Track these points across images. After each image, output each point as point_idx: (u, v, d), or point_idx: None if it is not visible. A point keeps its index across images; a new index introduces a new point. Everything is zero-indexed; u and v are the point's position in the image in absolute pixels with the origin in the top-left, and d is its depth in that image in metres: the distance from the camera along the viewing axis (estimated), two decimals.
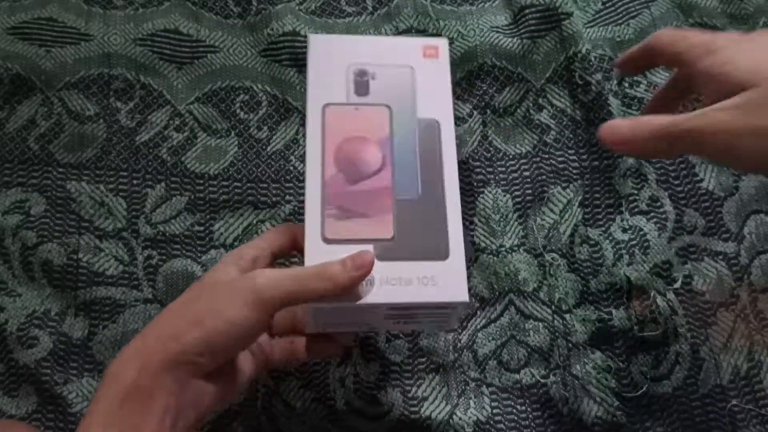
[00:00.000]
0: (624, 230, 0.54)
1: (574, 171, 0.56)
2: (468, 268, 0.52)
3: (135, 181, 0.53)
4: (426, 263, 0.38)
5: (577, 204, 0.55)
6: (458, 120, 0.57)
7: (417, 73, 0.43)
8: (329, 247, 0.38)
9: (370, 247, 0.38)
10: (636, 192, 0.55)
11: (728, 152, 0.34)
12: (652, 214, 0.55)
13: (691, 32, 0.39)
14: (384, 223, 0.39)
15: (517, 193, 0.55)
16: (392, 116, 0.42)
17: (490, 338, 0.51)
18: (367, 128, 0.41)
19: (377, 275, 0.38)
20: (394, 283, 0.38)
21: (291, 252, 0.45)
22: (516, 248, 0.54)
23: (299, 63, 0.57)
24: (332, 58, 0.43)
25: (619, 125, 0.38)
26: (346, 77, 0.42)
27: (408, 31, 0.59)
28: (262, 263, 0.41)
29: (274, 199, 0.54)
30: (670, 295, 0.53)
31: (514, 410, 0.50)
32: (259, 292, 0.35)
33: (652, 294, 0.52)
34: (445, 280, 0.38)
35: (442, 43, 0.45)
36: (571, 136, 0.57)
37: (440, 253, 0.39)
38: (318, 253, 0.37)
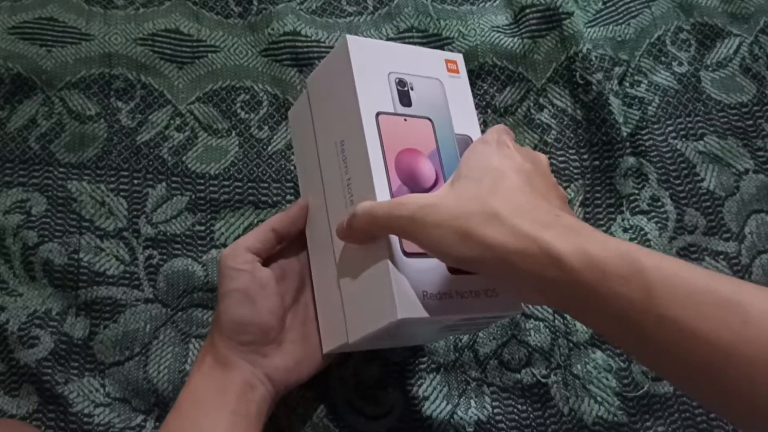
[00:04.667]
0: (625, 230, 0.54)
1: (575, 171, 0.56)
2: None
3: (136, 181, 0.53)
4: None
5: (578, 204, 0.55)
6: None
7: (445, 88, 0.43)
8: (409, 260, 0.37)
9: (443, 265, 0.38)
10: (637, 192, 0.55)
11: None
12: (653, 213, 0.55)
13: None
14: None
15: None
16: (435, 129, 0.42)
17: (491, 338, 0.51)
18: (417, 141, 0.41)
19: (453, 288, 0.38)
20: (466, 296, 0.38)
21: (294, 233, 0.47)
22: None
23: (300, 63, 0.57)
24: (372, 63, 0.41)
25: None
26: (388, 86, 0.41)
27: (409, 31, 0.59)
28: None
29: (274, 198, 0.54)
30: None
31: (515, 410, 0.50)
32: (222, 262, 0.43)
33: None
34: (503, 292, 0.39)
35: (459, 58, 0.45)
36: (572, 135, 0.57)
37: None
38: (402, 265, 0.37)
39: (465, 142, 0.42)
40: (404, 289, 0.36)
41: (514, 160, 0.37)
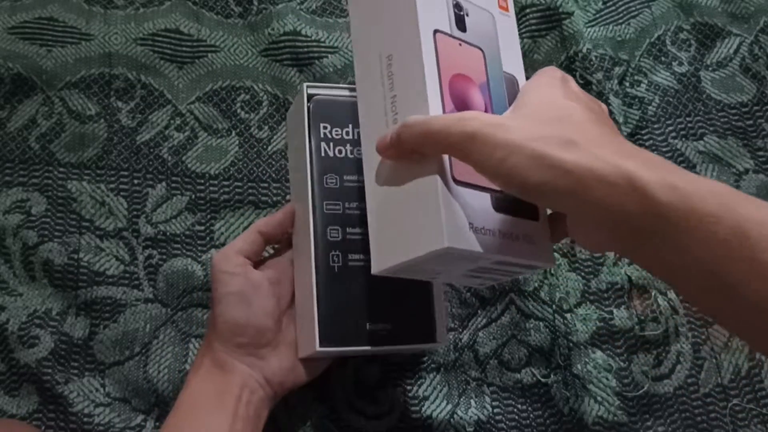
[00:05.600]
0: None
1: None
2: None
3: (136, 181, 0.53)
4: (526, 221, 0.37)
5: None
6: None
7: (496, 22, 0.41)
8: (459, 188, 0.35)
9: (488, 197, 0.36)
10: None
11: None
12: None
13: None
14: None
15: None
16: (486, 62, 0.39)
17: (491, 337, 0.51)
18: (470, 68, 0.38)
19: (497, 226, 0.36)
20: (511, 239, 0.36)
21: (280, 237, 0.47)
22: None
23: (300, 62, 0.57)
24: None
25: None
26: (446, 5, 0.39)
27: None
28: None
29: (274, 198, 0.54)
30: (671, 295, 0.53)
31: (515, 410, 0.50)
32: (215, 267, 0.44)
33: (653, 293, 0.52)
34: (540, 241, 0.37)
35: None
36: None
37: (534, 213, 0.38)
38: (452, 190, 0.34)
39: (511, 81, 0.40)
40: (454, 216, 0.34)
41: (580, 98, 0.34)
